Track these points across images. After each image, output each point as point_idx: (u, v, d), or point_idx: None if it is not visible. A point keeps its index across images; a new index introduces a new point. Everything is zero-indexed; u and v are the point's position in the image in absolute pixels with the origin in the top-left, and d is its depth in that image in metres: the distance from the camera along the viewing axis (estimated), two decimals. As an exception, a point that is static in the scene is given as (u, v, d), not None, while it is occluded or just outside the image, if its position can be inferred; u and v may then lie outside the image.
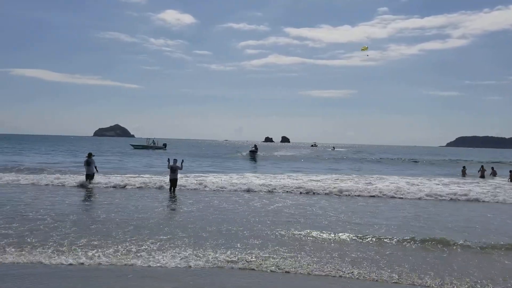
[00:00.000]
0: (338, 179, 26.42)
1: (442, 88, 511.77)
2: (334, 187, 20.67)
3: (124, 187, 20.29)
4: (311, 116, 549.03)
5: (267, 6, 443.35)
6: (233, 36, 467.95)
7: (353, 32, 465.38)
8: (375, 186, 22.08)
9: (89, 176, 20.64)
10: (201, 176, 25.91)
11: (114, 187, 20.33)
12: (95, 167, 20.87)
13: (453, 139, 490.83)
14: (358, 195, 19.13)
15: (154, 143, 78.58)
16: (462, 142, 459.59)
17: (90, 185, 20.21)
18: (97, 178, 21.04)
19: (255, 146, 63.18)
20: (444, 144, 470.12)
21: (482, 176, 30.35)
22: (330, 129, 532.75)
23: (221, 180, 23.04)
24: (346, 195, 19.18)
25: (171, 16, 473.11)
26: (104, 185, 20.39)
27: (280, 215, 13.62)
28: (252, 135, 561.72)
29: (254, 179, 24.21)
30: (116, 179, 21.95)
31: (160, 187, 20.28)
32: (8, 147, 68.73)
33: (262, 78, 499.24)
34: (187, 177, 23.81)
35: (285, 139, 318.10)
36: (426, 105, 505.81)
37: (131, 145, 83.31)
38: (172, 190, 19.11)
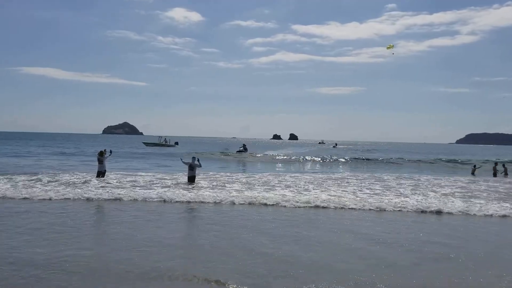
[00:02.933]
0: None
1: (451, 85, 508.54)
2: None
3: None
4: (319, 113, 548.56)
5: (275, 3, 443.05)
6: (241, 34, 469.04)
7: (362, 29, 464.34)
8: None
9: (101, 173, 21.16)
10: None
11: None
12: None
13: (462, 136, 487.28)
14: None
15: (166, 141, 79.75)
16: (472, 139, 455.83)
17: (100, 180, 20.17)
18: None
19: (244, 145, 59.19)
20: (454, 141, 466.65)
21: (494, 175, 29.95)
22: (338, 126, 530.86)
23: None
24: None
25: (179, 14, 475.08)
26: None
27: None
28: (260, 133, 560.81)
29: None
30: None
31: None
32: (20, 145, 69.00)
33: (269, 75, 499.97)
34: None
35: (293, 137, 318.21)
36: (435, 102, 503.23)
37: (144, 143, 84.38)
38: (190, 181, 20.20)
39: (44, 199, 15.36)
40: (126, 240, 9.59)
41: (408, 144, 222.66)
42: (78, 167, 29.40)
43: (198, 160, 20.76)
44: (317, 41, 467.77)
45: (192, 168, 20.44)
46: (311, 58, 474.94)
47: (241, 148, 56.91)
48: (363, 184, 21.65)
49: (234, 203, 15.27)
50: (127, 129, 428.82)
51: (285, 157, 48.93)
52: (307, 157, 48.48)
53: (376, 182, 22.78)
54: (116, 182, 19.86)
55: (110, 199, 15.66)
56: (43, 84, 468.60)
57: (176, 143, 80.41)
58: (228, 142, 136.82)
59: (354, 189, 19.70)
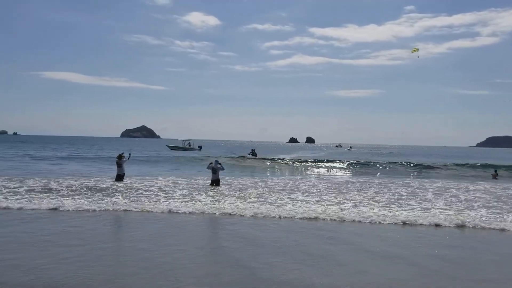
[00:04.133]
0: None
1: (471, 87, 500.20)
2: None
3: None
4: (337, 116, 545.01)
5: (292, 6, 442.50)
6: (258, 37, 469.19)
7: (380, 31, 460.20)
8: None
9: (119, 177, 21.22)
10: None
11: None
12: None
13: (483, 139, 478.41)
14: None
15: (190, 145, 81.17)
16: (493, 142, 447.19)
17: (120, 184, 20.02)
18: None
19: (253, 150, 56.76)
20: (474, 145, 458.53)
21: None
22: (356, 129, 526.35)
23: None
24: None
25: (196, 18, 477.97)
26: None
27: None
28: (277, 136, 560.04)
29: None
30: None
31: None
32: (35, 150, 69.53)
33: (287, 78, 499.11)
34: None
35: (310, 140, 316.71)
36: (454, 104, 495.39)
37: (168, 146, 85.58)
38: (213, 184, 20.45)
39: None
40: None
41: (428, 148, 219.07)
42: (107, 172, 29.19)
43: (220, 164, 21.36)
44: (334, 44, 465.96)
45: (215, 171, 20.69)
46: (329, 61, 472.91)
47: (249, 154, 53.73)
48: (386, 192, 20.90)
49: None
50: (144, 132, 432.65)
51: (291, 161, 44.53)
52: (324, 163, 42.69)
53: (397, 188, 21.98)
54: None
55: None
56: (63, 88, 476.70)
57: (200, 147, 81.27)
58: (244, 145, 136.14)
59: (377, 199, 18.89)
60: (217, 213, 13.64)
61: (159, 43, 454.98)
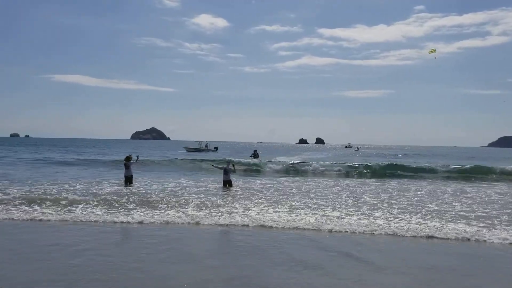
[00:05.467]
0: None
1: (482, 87, 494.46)
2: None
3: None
4: (346, 117, 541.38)
5: (300, 7, 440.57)
6: (266, 38, 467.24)
7: (389, 31, 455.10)
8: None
9: (127, 178, 21.30)
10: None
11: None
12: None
13: (495, 139, 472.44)
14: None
15: (207, 146, 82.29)
16: (505, 142, 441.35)
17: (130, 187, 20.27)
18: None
19: (255, 151, 52.19)
20: (486, 145, 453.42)
21: None
22: (366, 130, 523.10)
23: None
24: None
25: (205, 20, 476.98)
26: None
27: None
28: (287, 137, 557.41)
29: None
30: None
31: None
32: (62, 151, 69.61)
33: (295, 79, 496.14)
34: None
35: (319, 141, 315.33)
36: (465, 104, 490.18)
37: (185, 147, 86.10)
38: (225, 186, 20.46)
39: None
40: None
41: (439, 148, 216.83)
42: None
43: (233, 165, 21.85)
44: (343, 44, 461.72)
45: (226, 172, 20.68)
46: (338, 62, 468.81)
47: (251, 156, 49.58)
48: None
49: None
50: (154, 134, 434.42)
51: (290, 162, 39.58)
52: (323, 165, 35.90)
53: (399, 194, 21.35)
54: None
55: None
56: (73, 91, 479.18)
57: (216, 148, 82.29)
58: (250, 147, 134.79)
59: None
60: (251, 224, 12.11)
61: (168, 45, 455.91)
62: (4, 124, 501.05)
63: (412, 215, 13.84)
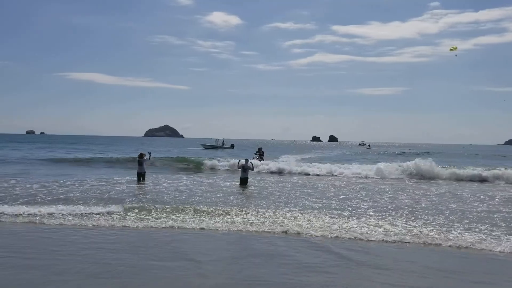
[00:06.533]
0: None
1: (499, 84, 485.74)
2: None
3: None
4: (360, 114, 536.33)
5: (314, 4, 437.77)
6: (280, 36, 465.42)
7: (404, 28, 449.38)
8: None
9: (141, 175, 21.51)
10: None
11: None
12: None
13: (511, 137, 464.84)
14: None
15: (223, 144, 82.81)
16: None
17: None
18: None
19: (259, 149, 42.11)
20: (502, 142, 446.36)
21: None
22: (380, 127, 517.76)
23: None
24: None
25: (219, 18, 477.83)
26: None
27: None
28: (300, 134, 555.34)
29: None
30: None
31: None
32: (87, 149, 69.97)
33: (309, 76, 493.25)
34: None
35: (332, 138, 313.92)
36: (481, 101, 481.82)
37: (202, 145, 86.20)
38: (242, 183, 20.41)
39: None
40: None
41: (455, 146, 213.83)
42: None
43: (252, 163, 22.16)
44: (357, 42, 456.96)
45: (244, 170, 20.72)
46: (352, 59, 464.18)
47: (255, 154, 41.20)
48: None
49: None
50: (168, 131, 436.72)
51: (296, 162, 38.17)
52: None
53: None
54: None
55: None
56: (89, 88, 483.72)
57: (232, 146, 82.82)
58: (263, 144, 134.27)
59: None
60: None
61: (182, 43, 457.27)
62: (20, 121, 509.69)
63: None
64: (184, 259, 8.44)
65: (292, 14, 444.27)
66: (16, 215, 12.40)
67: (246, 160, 21.33)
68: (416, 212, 14.07)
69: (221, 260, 8.50)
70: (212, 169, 32.58)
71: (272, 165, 31.26)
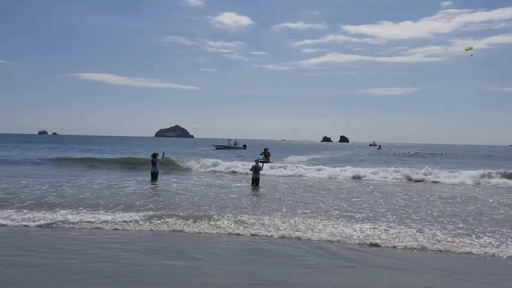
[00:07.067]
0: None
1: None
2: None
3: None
4: (371, 114, 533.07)
5: (325, 4, 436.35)
6: (290, 36, 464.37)
7: (415, 28, 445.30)
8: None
9: (154, 175, 21.80)
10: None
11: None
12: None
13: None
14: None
15: (236, 144, 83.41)
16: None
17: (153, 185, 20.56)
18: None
19: (265, 150, 40.66)
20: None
21: None
22: (391, 128, 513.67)
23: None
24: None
25: (229, 19, 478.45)
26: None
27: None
28: (311, 135, 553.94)
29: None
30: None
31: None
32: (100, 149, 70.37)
33: (319, 77, 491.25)
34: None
35: (343, 139, 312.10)
36: (494, 101, 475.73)
37: (214, 145, 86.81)
38: (253, 184, 20.85)
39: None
40: None
41: (467, 147, 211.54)
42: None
43: (262, 163, 23.14)
44: (368, 41, 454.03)
45: (256, 170, 21.15)
46: (363, 59, 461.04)
47: (261, 155, 38.73)
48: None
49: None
50: (178, 132, 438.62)
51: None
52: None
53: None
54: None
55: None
56: (100, 89, 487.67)
57: (245, 146, 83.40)
58: (273, 144, 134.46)
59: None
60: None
61: (192, 43, 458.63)
62: (33, 121, 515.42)
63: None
64: (185, 259, 8.34)
65: (303, 14, 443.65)
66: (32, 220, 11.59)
67: (257, 161, 21.89)
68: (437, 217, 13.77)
69: (226, 260, 8.37)
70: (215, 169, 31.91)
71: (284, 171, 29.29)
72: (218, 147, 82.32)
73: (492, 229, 11.63)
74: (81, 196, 15.87)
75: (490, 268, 8.43)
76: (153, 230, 11.01)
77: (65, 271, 7.58)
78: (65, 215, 12.00)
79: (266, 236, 10.53)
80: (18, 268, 7.72)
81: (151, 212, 12.76)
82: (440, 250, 9.55)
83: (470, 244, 9.96)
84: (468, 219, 13.04)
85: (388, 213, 13.80)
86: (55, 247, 9.23)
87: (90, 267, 7.80)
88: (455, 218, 13.09)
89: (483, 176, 25.37)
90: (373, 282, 7.40)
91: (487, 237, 10.60)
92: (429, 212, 14.24)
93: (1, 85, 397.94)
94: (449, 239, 10.31)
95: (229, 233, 10.76)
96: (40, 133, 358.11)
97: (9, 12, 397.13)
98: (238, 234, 10.67)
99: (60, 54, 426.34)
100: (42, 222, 11.41)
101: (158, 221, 11.74)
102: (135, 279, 7.31)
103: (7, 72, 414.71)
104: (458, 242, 10.07)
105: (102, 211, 12.95)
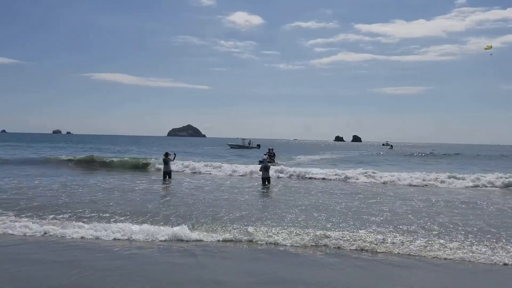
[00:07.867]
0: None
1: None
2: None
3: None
4: (384, 114, 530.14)
5: (337, 3, 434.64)
6: (302, 35, 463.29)
7: (429, 26, 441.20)
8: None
9: (166, 174, 22.29)
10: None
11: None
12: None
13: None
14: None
15: (250, 144, 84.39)
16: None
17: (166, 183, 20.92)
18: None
19: (270, 150, 38.35)
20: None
21: None
22: (405, 127, 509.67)
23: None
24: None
25: (241, 18, 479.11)
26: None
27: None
28: (323, 134, 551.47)
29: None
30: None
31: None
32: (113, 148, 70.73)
33: (331, 76, 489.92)
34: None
35: (356, 138, 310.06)
36: (509, 100, 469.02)
37: (228, 144, 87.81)
38: (264, 183, 21.00)
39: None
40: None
41: (481, 146, 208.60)
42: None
43: (270, 161, 23.50)
44: (381, 40, 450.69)
45: (266, 169, 21.38)
46: (375, 58, 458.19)
47: (265, 156, 32.89)
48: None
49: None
50: (190, 131, 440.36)
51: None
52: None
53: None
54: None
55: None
56: (113, 89, 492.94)
57: (258, 145, 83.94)
58: (284, 144, 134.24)
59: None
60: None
61: (203, 43, 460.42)
62: (48, 121, 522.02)
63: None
64: (187, 257, 8.19)
65: (315, 13, 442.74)
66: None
67: (265, 160, 23.15)
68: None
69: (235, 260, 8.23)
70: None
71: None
72: (233, 147, 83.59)
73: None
74: (111, 204, 14.37)
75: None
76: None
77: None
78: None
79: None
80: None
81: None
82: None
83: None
84: None
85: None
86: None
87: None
88: None
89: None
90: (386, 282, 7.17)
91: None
92: None
93: (16, 85, 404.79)
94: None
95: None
96: (54, 132, 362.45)
97: (24, 13, 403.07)
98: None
99: (73, 54, 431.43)
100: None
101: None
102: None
103: (21, 72, 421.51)
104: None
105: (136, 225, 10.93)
